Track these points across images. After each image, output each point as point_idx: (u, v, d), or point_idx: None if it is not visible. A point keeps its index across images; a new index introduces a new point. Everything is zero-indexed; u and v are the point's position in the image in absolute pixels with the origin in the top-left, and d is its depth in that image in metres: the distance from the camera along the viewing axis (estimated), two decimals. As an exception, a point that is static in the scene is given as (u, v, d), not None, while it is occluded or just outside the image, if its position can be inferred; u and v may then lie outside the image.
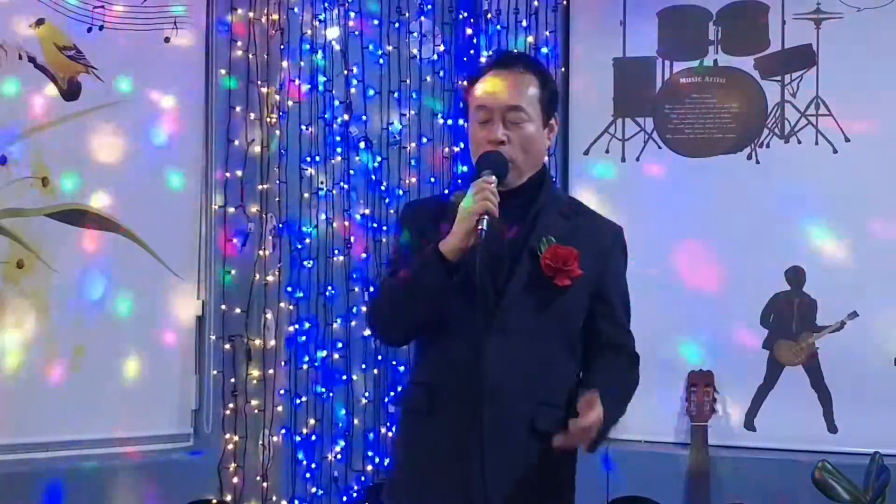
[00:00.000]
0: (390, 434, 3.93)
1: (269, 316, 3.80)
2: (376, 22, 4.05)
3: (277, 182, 3.82)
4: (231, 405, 3.75)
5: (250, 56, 3.81)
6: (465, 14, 4.27)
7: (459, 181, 4.02)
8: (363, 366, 3.98)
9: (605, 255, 2.34)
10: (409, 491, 2.31)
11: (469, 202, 2.16)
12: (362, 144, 4.02)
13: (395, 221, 2.57)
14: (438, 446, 2.23)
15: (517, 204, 2.26)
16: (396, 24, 4.10)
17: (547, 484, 2.28)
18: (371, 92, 4.03)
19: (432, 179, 4.19)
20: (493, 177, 2.20)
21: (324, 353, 3.88)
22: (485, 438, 2.18)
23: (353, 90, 3.99)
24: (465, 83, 2.48)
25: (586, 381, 2.31)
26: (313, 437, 3.83)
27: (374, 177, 4.05)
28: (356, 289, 3.97)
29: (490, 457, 2.18)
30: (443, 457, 2.22)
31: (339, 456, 3.91)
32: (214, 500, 3.66)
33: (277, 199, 3.81)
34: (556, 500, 2.32)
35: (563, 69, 4.27)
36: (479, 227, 2.12)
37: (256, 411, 3.76)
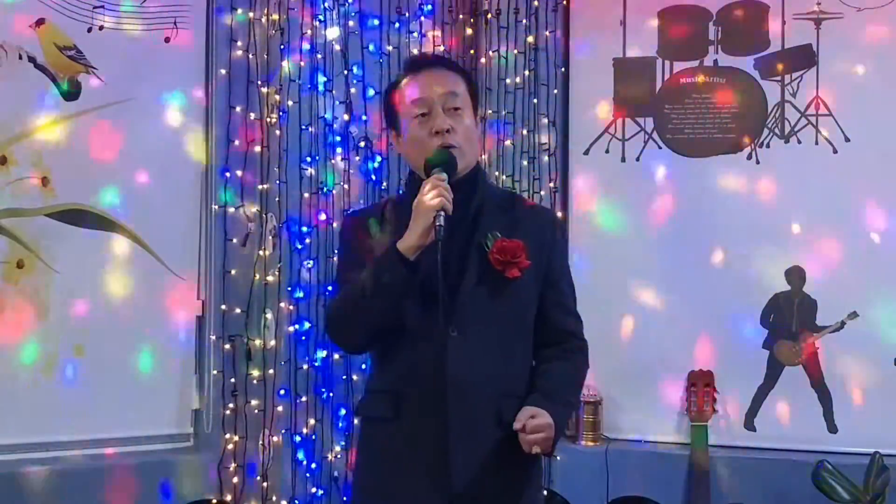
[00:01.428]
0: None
1: (269, 316, 3.79)
2: (376, 22, 4.05)
3: (277, 182, 3.82)
4: (231, 405, 3.75)
5: (250, 56, 3.81)
6: (465, 14, 4.27)
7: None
8: (363, 366, 3.98)
9: (547, 244, 2.38)
10: (379, 496, 2.32)
11: (424, 200, 2.17)
12: (362, 144, 4.02)
13: (339, 235, 2.55)
14: (407, 449, 2.25)
15: (458, 201, 2.25)
16: (396, 24, 4.10)
17: (514, 474, 2.31)
18: (371, 92, 4.03)
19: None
20: (444, 174, 2.22)
21: (324, 353, 3.88)
22: (452, 437, 2.20)
23: (353, 90, 3.99)
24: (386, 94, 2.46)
25: (537, 381, 2.33)
26: (313, 437, 3.83)
27: (374, 177, 4.05)
28: (356, 289, 3.97)
29: (459, 453, 2.21)
30: (412, 459, 2.24)
31: (339, 456, 3.91)
32: (214, 500, 3.67)
33: (277, 199, 3.81)
34: (526, 489, 2.36)
35: (563, 69, 4.28)
36: (437, 223, 2.14)
37: (256, 411, 3.76)
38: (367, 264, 2.25)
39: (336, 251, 2.60)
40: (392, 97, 2.40)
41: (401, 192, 2.52)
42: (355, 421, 3.85)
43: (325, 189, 3.91)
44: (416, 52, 4.14)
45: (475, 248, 2.29)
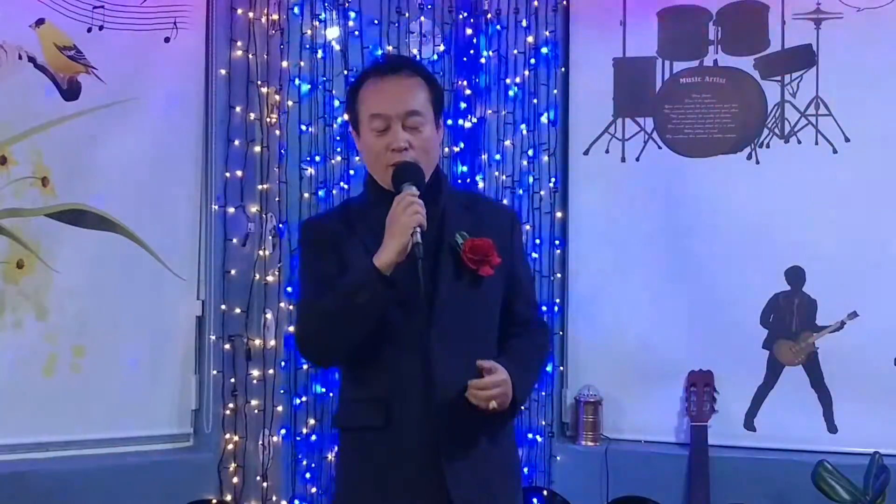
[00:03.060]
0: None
1: (269, 316, 3.80)
2: (376, 22, 4.05)
3: (277, 182, 3.82)
4: (231, 405, 3.75)
5: (250, 56, 3.81)
6: (465, 14, 4.27)
7: (460, 181, 4.02)
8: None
9: (509, 240, 2.40)
10: None
11: (399, 217, 2.17)
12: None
13: (299, 245, 2.53)
14: (398, 458, 2.24)
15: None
16: (396, 24, 4.10)
17: (503, 463, 2.34)
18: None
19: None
20: (415, 188, 2.21)
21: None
22: (445, 441, 2.21)
23: (353, 90, 3.98)
24: (350, 89, 2.43)
25: (500, 355, 2.34)
26: (313, 437, 3.83)
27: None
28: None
29: (452, 457, 2.21)
30: (404, 468, 2.24)
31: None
32: (214, 500, 3.67)
33: (277, 199, 3.81)
34: (512, 477, 2.39)
35: (563, 69, 4.28)
36: (414, 240, 2.15)
37: (256, 411, 3.76)
38: (336, 276, 2.24)
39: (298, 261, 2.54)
40: (355, 96, 2.36)
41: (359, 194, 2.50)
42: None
43: (324, 189, 3.91)
44: (415, 51, 4.15)
45: (446, 248, 2.29)
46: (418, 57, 4.16)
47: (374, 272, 2.17)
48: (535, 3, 4.25)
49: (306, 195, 3.87)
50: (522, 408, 2.40)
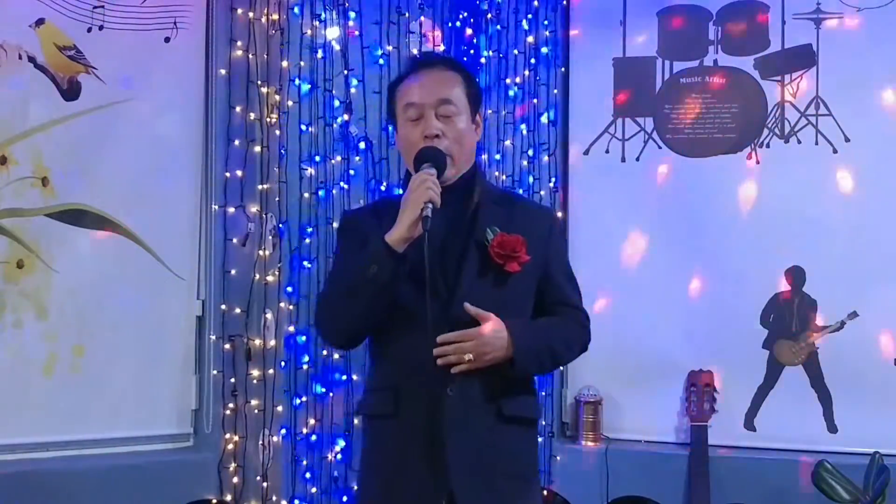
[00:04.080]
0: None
1: (269, 316, 3.79)
2: (376, 22, 4.05)
3: (277, 182, 3.81)
4: (231, 405, 3.75)
5: (250, 56, 3.81)
6: (465, 14, 4.27)
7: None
8: (363, 365, 3.97)
9: (545, 240, 2.39)
10: (381, 496, 2.33)
11: (412, 192, 2.20)
12: (362, 144, 4.01)
13: (336, 234, 2.61)
14: (406, 446, 2.27)
15: (455, 199, 2.30)
16: (396, 24, 4.10)
17: (515, 466, 2.32)
18: (371, 92, 4.03)
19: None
20: (433, 169, 2.24)
21: (324, 353, 3.88)
22: (450, 431, 2.21)
23: (353, 90, 3.98)
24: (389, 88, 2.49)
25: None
26: (313, 437, 3.83)
27: (374, 177, 4.05)
28: (356, 289, 3.96)
29: (457, 449, 2.21)
30: (411, 456, 2.25)
31: (339, 456, 3.91)
32: (214, 500, 3.67)
33: (277, 199, 3.81)
34: (524, 481, 2.35)
35: (563, 69, 4.28)
36: (424, 213, 2.16)
37: (256, 411, 3.76)
38: (361, 256, 2.28)
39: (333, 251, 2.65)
40: (393, 93, 2.42)
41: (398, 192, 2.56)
42: (356, 421, 3.86)
43: (324, 189, 3.91)
44: (415, 52, 4.15)
45: (474, 243, 2.30)
46: (418, 57, 4.17)
47: (383, 245, 2.20)
48: (535, 3, 4.26)
49: (306, 195, 3.87)
50: (529, 370, 2.33)
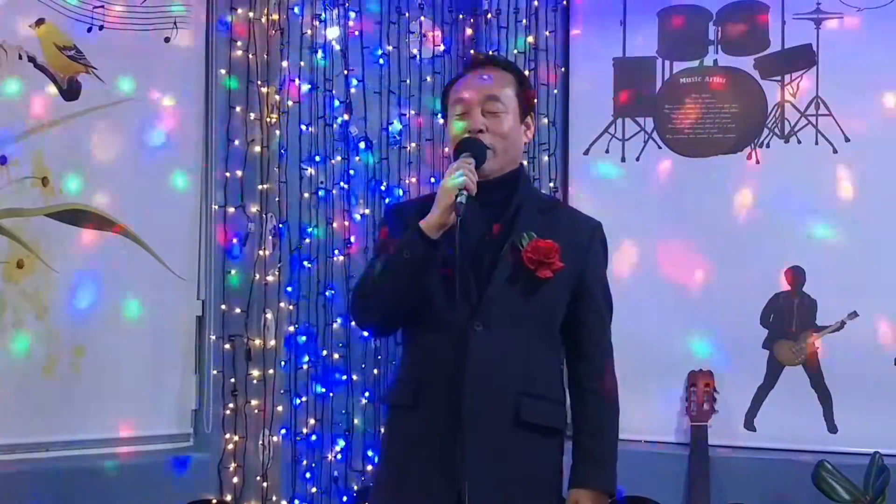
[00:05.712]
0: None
1: (269, 316, 3.80)
2: (376, 22, 4.05)
3: (277, 182, 3.82)
4: (231, 405, 3.75)
5: (250, 56, 3.81)
6: (465, 14, 4.27)
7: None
8: (363, 366, 3.98)
9: (584, 250, 2.40)
10: (392, 484, 2.35)
11: (447, 179, 2.21)
12: (362, 144, 4.02)
13: (379, 221, 2.65)
14: (421, 439, 2.28)
15: (496, 200, 2.32)
16: (396, 24, 4.10)
17: (531, 475, 2.30)
18: (371, 92, 4.03)
19: (432, 179, 4.18)
20: (472, 158, 2.25)
21: (324, 353, 3.88)
22: (466, 430, 2.19)
23: (353, 90, 3.99)
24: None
25: (582, 437, 2.37)
26: (313, 437, 3.83)
27: (374, 177, 4.05)
28: (356, 289, 3.97)
29: (471, 447, 2.19)
30: (425, 449, 2.26)
31: (339, 456, 3.91)
32: (214, 500, 3.67)
33: (277, 199, 3.81)
34: (539, 491, 2.34)
35: (563, 69, 4.28)
36: (458, 199, 2.16)
37: (256, 411, 3.76)
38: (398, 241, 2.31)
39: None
40: (447, 93, 2.46)
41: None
42: (356, 421, 3.87)
43: (324, 189, 3.91)
44: (415, 51, 4.15)
45: (510, 246, 2.30)
46: (418, 57, 4.17)
47: (417, 230, 2.22)
48: (535, 3, 4.25)
49: (306, 195, 3.87)
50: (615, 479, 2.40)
